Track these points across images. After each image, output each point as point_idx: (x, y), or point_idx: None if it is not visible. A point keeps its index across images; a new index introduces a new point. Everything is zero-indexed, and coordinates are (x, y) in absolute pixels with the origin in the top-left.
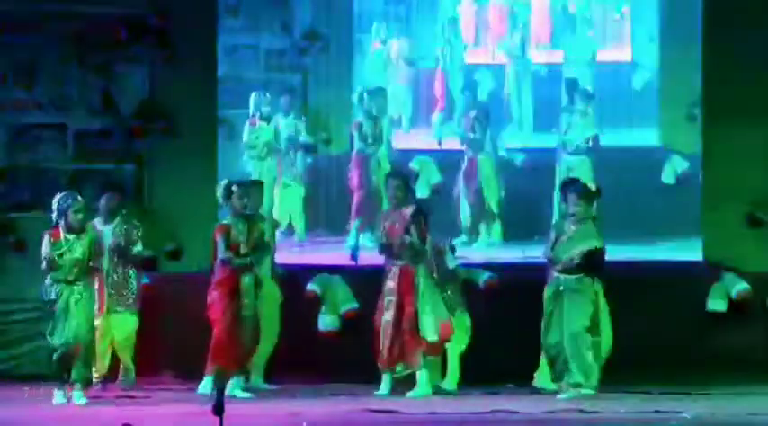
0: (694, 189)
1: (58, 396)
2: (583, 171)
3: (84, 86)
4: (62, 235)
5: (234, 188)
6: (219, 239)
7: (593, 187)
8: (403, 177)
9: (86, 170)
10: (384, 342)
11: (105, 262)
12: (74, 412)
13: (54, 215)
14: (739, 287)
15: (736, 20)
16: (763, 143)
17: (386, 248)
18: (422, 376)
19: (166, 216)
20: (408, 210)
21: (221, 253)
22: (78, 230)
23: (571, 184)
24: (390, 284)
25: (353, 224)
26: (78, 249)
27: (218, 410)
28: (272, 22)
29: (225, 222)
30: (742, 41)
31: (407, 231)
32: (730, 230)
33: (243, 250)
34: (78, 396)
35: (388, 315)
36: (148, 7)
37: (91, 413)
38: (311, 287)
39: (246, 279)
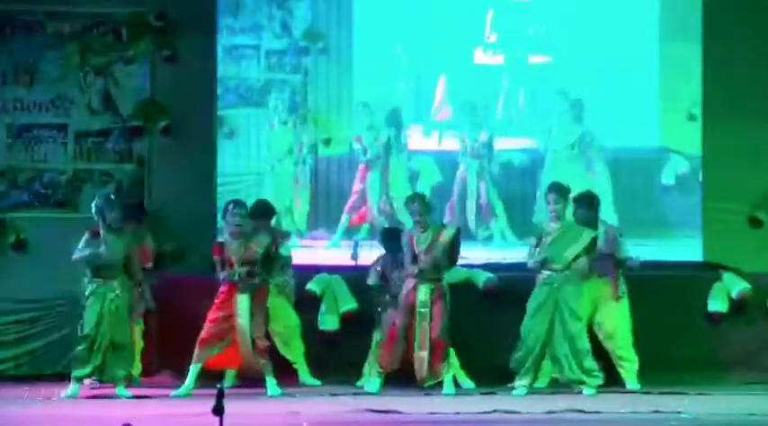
0: (694, 189)
1: (71, 388)
2: (568, 171)
3: (84, 86)
4: (102, 234)
5: (229, 206)
6: (216, 259)
7: (566, 185)
8: (422, 198)
9: (86, 170)
10: (420, 354)
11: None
12: (74, 412)
13: (94, 214)
14: (739, 287)
15: (736, 19)
16: (764, 143)
17: (419, 269)
18: (449, 378)
19: (166, 216)
20: (445, 236)
21: (218, 272)
22: (117, 230)
23: (549, 185)
24: (422, 297)
25: (342, 223)
26: (116, 248)
27: (219, 410)
28: (272, 22)
29: (220, 241)
30: (742, 41)
31: (443, 254)
32: (730, 230)
33: (236, 267)
34: (121, 391)
35: (423, 327)
36: (148, 7)
37: (91, 413)
38: (311, 287)
39: (242, 297)
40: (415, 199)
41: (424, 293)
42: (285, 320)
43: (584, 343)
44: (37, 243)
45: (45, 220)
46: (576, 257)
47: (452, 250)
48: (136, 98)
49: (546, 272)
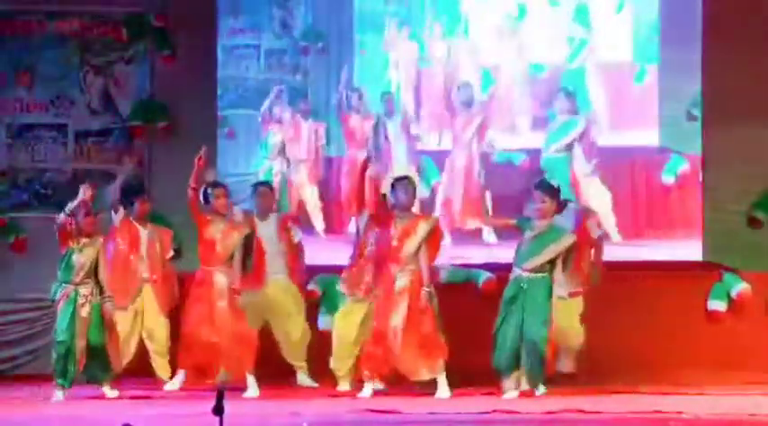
0: (694, 189)
1: (57, 395)
2: (561, 170)
3: (84, 86)
4: (75, 238)
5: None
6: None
7: (555, 184)
8: (412, 182)
9: (86, 170)
10: (402, 351)
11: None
12: (73, 412)
13: (66, 217)
14: (739, 287)
15: (736, 20)
16: (764, 143)
17: (394, 252)
18: (442, 378)
19: (166, 216)
20: (425, 224)
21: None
22: (89, 234)
23: (537, 182)
24: (401, 289)
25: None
26: (87, 252)
27: (218, 410)
28: (272, 22)
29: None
30: (742, 41)
31: (422, 241)
32: (730, 230)
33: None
34: (108, 391)
35: (397, 320)
36: (148, 7)
37: (91, 413)
38: (311, 286)
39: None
40: (410, 181)
41: (403, 282)
42: (295, 320)
43: (544, 352)
44: (37, 243)
45: (45, 220)
46: (553, 259)
47: (433, 238)
48: (136, 98)
49: (517, 271)
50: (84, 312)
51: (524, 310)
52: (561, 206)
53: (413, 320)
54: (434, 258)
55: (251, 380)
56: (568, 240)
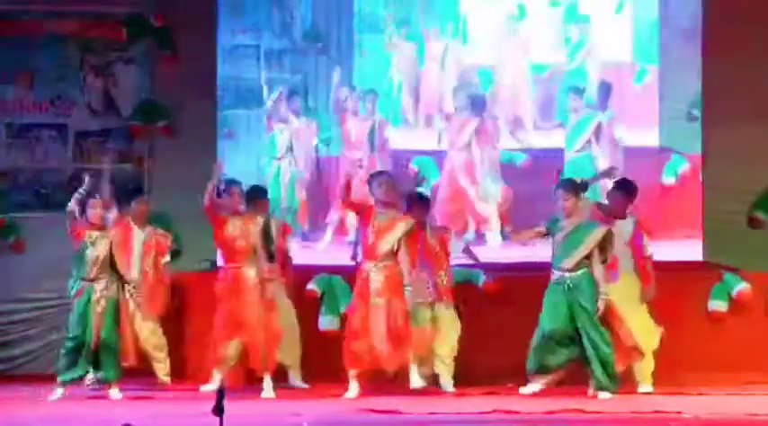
0: (694, 189)
1: (57, 392)
2: (585, 168)
3: (84, 86)
4: (86, 232)
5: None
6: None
7: (578, 180)
8: (389, 177)
9: (86, 170)
10: (379, 345)
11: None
12: (73, 412)
13: (77, 214)
14: (739, 287)
15: (736, 19)
16: (764, 143)
17: (370, 249)
18: (413, 369)
19: (166, 216)
20: (403, 224)
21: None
22: (100, 227)
23: (560, 182)
24: (376, 285)
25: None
26: (99, 245)
27: (218, 410)
28: (272, 22)
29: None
30: (742, 41)
31: (399, 241)
32: (730, 230)
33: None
34: (114, 392)
35: (379, 317)
36: (148, 7)
37: (91, 413)
38: (311, 286)
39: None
40: (382, 177)
41: (377, 279)
42: (284, 320)
43: (609, 349)
44: (37, 243)
45: (45, 220)
46: (588, 255)
47: (409, 239)
48: (136, 98)
49: (557, 272)
50: (99, 307)
51: (575, 310)
52: (623, 213)
53: (392, 318)
54: (415, 259)
55: (268, 381)
56: (600, 232)
